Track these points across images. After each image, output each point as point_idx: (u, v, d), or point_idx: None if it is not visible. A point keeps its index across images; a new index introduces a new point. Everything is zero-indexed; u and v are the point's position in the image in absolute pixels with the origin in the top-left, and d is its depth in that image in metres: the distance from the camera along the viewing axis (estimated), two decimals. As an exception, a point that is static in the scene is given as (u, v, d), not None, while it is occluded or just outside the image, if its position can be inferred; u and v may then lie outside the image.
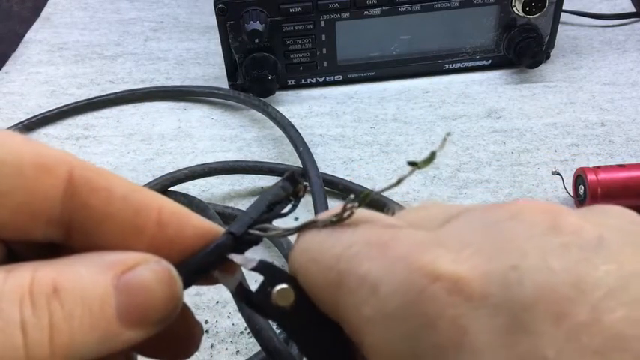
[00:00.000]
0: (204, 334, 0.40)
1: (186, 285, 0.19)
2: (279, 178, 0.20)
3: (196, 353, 0.39)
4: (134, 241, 0.18)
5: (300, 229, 0.19)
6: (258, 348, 0.39)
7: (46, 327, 0.15)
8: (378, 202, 0.46)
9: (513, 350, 0.13)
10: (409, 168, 0.18)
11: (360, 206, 0.18)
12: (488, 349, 0.13)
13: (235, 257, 0.19)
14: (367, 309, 0.15)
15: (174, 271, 0.18)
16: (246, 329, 0.40)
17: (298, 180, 0.20)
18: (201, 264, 0.19)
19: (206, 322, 0.41)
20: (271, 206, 0.20)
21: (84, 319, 0.16)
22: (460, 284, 0.14)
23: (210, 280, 0.20)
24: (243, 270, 0.19)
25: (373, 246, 0.16)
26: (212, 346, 0.40)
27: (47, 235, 0.18)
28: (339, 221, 0.18)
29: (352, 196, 0.18)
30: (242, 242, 0.19)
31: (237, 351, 0.40)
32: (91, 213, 0.18)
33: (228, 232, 0.19)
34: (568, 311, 0.13)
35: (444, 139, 0.18)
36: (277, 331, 0.36)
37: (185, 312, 0.20)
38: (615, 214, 0.16)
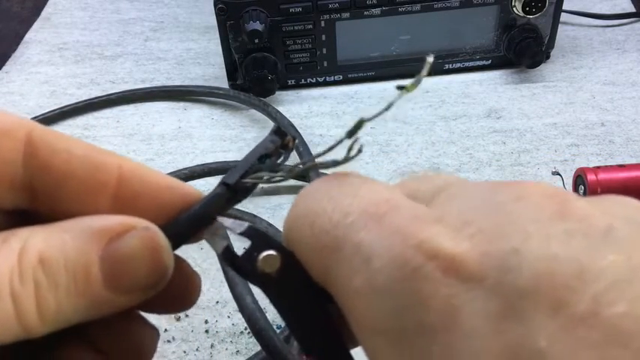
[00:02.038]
0: (204, 334, 0.41)
1: (180, 243, 0.19)
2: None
3: (196, 353, 0.39)
4: (97, 198, 0.18)
5: (301, 172, 0.19)
6: (258, 348, 0.39)
7: (32, 296, 0.16)
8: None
9: (505, 337, 0.12)
10: (398, 92, 0.17)
11: (354, 133, 0.18)
12: (479, 334, 0.13)
13: (225, 221, 0.19)
14: (358, 279, 0.15)
15: (163, 238, 0.18)
16: (246, 329, 0.40)
17: (286, 132, 0.20)
18: (197, 219, 0.19)
19: (206, 322, 0.41)
20: (262, 159, 0.20)
21: (69, 288, 0.17)
22: (457, 264, 0.13)
23: (196, 237, 0.20)
24: (231, 235, 0.19)
25: (371, 216, 0.15)
26: (212, 346, 0.40)
27: (13, 202, 0.18)
28: (345, 161, 0.18)
29: (348, 131, 0.17)
30: (237, 192, 0.19)
31: (237, 351, 0.40)
32: (53, 173, 0.18)
33: (222, 183, 0.19)
34: (567, 301, 0.12)
35: (427, 63, 0.17)
36: (277, 332, 0.36)
37: (180, 264, 0.20)
38: (626, 204, 0.15)
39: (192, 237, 0.19)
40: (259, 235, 0.18)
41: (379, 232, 0.15)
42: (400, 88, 0.17)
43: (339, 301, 0.16)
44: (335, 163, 0.18)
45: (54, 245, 0.17)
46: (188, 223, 0.19)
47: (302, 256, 0.17)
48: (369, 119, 0.18)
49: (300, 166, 0.19)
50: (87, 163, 0.18)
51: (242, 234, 0.19)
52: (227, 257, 0.19)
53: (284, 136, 0.20)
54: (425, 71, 0.17)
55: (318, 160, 0.19)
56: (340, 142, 0.18)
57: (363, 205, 0.16)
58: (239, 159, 0.20)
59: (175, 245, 0.19)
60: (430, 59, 0.17)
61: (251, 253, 0.18)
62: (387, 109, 0.17)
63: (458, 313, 0.13)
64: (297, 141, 0.21)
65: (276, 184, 0.20)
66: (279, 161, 0.20)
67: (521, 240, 0.13)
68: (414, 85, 0.17)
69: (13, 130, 0.18)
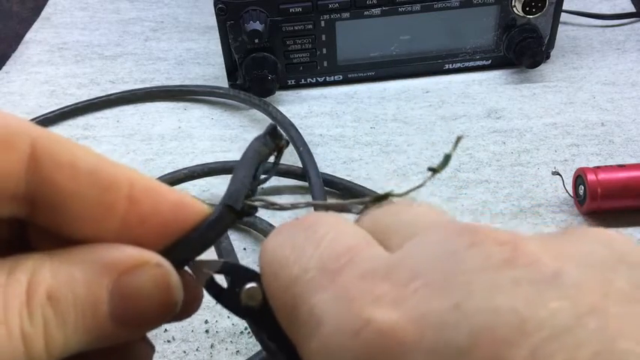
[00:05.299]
0: (204, 334, 0.41)
1: (184, 266, 0.19)
2: (275, 176, 0.20)
3: (196, 353, 0.39)
4: (104, 219, 0.17)
5: (305, 207, 0.19)
6: (258, 348, 0.39)
7: (41, 335, 0.16)
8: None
9: None
10: (429, 173, 0.18)
11: (379, 201, 0.18)
12: None
13: (200, 262, 0.19)
14: (313, 343, 0.14)
15: (174, 276, 0.18)
16: (246, 329, 0.41)
17: (279, 133, 0.20)
18: (200, 244, 0.18)
19: (206, 322, 0.41)
20: (258, 167, 0.19)
21: (77, 324, 0.16)
22: (394, 328, 0.13)
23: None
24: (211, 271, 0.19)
25: (327, 274, 0.15)
26: (212, 346, 0.40)
27: (13, 213, 0.17)
28: (359, 217, 0.18)
29: (375, 197, 0.18)
30: (240, 214, 0.19)
31: (237, 351, 0.40)
32: (57, 189, 0.17)
33: (226, 205, 0.18)
34: (505, 357, 0.11)
35: (457, 140, 0.18)
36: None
37: (181, 274, 0.19)
38: (590, 239, 0.14)
39: (195, 259, 0.19)
40: (235, 269, 0.18)
41: (331, 294, 0.15)
42: (431, 169, 0.18)
43: (302, 357, 0.16)
44: (347, 211, 0.18)
45: (62, 280, 0.16)
46: (194, 247, 0.19)
47: (271, 305, 0.17)
48: (399, 195, 0.18)
49: (308, 202, 0.19)
50: (94, 182, 0.17)
51: (218, 272, 0.18)
52: (212, 291, 0.19)
53: (278, 140, 0.20)
54: (454, 150, 0.17)
55: (330, 202, 0.19)
56: (363, 202, 0.18)
57: (324, 259, 0.15)
58: (239, 159, 0.20)
59: (179, 268, 0.18)
60: (461, 137, 0.18)
61: (233, 289, 0.18)
62: (418, 187, 0.18)
63: None
64: (289, 144, 0.20)
65: (280, 210, 0.19)
66: (269, 161, 0.20)
67: (464, 293, 0.13)
68: (443, 166, 0.18)
69: (17, 140, 0.16)
